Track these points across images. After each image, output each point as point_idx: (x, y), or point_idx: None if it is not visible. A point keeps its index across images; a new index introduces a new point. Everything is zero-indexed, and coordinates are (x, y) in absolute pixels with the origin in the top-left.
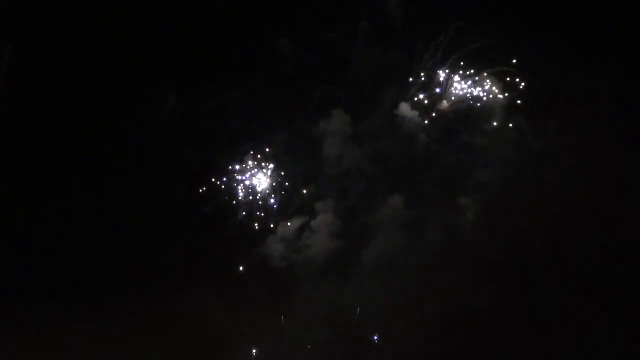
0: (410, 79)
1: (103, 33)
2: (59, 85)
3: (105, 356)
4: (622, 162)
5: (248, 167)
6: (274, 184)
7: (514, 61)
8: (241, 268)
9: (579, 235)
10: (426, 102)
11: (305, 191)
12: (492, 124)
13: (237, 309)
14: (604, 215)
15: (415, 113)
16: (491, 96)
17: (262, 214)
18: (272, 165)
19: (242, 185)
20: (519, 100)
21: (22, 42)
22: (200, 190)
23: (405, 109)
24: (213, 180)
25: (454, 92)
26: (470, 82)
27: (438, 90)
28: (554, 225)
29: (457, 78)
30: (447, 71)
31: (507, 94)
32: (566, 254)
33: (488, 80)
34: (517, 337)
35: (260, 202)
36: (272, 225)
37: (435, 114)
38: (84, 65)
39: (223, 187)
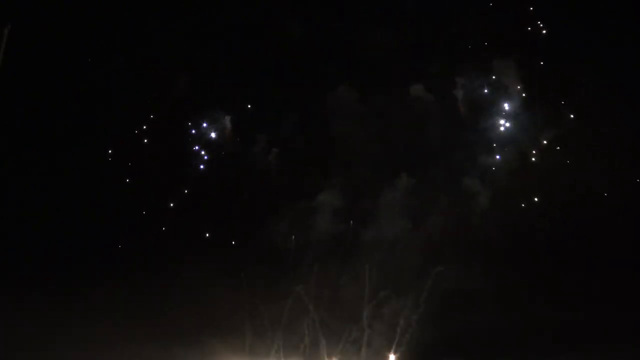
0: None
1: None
2: (58, 69)
3: (103, 333)
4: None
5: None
6: (280, 165)
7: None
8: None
9: (587, 222)
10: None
11: (310, 171)
12: (505, 109)
13: (238, 288)
14: (614, 205)
15: (427, 94)
16: (504, 82)
17: (267, 195)
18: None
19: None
20: (532, 87)
21: (20, 24)
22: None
23: (416, 89)
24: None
25: (466, 76)
26: (483, 67)
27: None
28: (563, 213)
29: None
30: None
31: (521, 81)
32: (575, 241)
33: (502, 66)
34: (518, 323)
35: (265, 183)
36: (276, 206)
37: (448, 98)
38: (84, 48)
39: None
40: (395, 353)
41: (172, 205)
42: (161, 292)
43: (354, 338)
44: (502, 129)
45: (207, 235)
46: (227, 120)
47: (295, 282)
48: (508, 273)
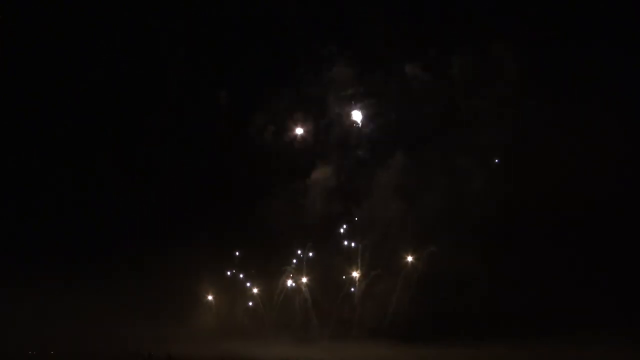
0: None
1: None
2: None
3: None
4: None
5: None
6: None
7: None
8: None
9: (582, 206)
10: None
11: (305, 152)
12: (501, 89)
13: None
14: (609, 189)
15: (424, 74)
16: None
17: (260, 174)
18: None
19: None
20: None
21: (9, 12)
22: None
23: (413, 69)
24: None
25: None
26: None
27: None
28: (558, 195)
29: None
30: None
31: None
32: (569, 225)
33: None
34: (509, 304)
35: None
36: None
37: (443, 77)
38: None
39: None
40: None
41: (166, 185)
42: (152, 271)
43: (345, 316)
44: (496, 110)
45: (201, 215)
46: (222, 99)
47: (287, 261)
48: (500, 255)
